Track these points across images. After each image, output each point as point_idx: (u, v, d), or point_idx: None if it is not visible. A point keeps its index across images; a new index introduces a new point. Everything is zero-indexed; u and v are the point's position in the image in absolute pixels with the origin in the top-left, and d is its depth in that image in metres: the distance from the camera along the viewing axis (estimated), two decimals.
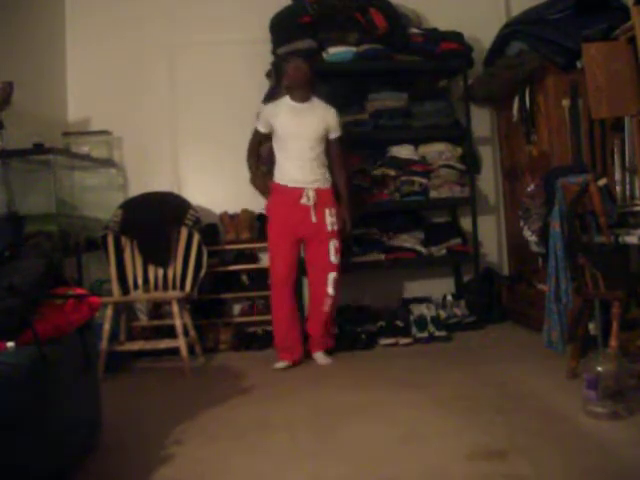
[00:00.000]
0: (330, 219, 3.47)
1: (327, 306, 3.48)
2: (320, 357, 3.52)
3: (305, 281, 3.84)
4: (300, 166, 3.43)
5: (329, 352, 3.58)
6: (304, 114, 3.47)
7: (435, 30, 4.30)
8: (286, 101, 3.53)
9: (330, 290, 3.47)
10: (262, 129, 3.54)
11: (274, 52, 4.15)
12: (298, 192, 3.42)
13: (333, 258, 3.47)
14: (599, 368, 2.31)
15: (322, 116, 3.50)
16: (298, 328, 3.52)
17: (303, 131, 3.44)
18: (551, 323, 2.79)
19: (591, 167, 3.42)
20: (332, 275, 3.47)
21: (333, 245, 3.47)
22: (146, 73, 4.45)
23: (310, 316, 3.58)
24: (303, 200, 3.42)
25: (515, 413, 2.44)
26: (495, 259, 4.69)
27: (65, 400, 2.02)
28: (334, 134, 3.55)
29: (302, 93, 3.49)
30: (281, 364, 3.43)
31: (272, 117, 3.48)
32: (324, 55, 4.10)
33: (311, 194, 3.42)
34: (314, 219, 3.42)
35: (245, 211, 4.22)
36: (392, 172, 4.19)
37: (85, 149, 4.10)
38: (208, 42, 4.41)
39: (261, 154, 3.71)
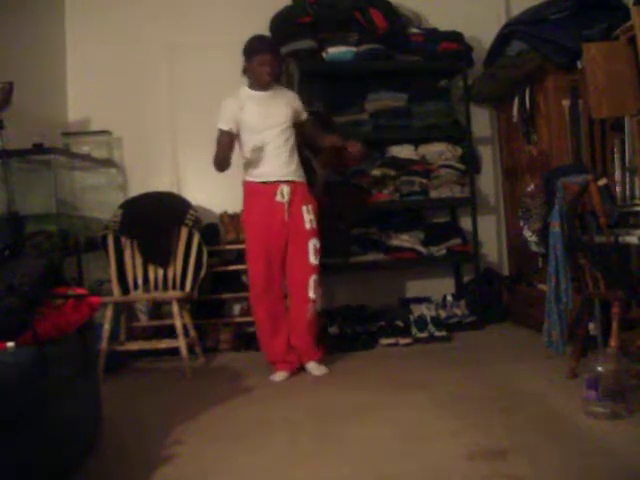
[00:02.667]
0: (308, 216, 3.26)
1: (309, 312, 3.26)
2: (314, 368, 3.29)
3: None
4: (273, 158, 3.22)
5: (320, 360, 3.35)
6: (270, 102, 3.27)
7: (435, 30, 4.30)
8: (246, 92, 3.30)
9: (311, 294, 3.25)
10: (227, 127, 3.26)
11: None
12: (272, 188, 3.22)
13: (313, 259, 3.25)
14: (599, 368, 2.30)
15: (287, 102, 3.32)
16: (287, 337, 3.30)
17: (274, 119, 3.24)
18: (551, 323, 2.79)
19: (591, 167, 3.42)
20: (313, 277, 3.25)
21: (312, 245, 3.25)
22: (146, 73, 4.45)
23: (293, 326, 3.31)
24: (277, 197, 3.21)
25: (515, 413, 2.44)
26: (495, 259, 4.69)
27: (65, 400, 2.03)
28: (304, 116, 3.41)
29: (266, 84, 3.29)
30: (280, 375, 3.23)
31: (236, 112, 3.24)
32: (324, 55, 4.10)
33: (285, 190, 3.21)
34: (286, 217, 3.22)
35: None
36: (392, 172, 4.19)
37: (85, 149, 4.11)
38: (208, 42, 4.40)
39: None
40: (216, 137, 3.33)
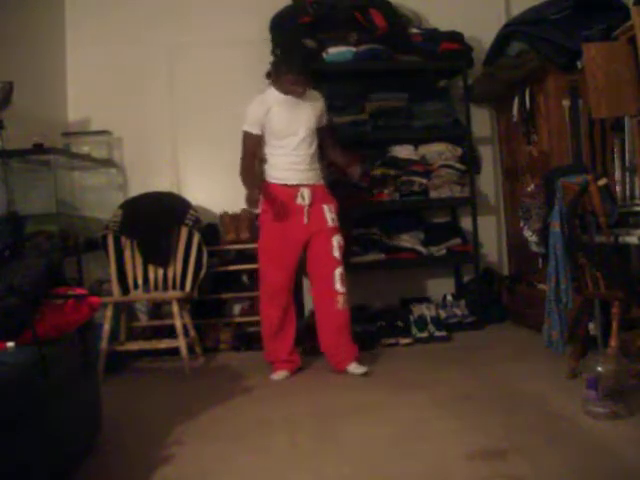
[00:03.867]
0: (329, 215, 3.28)
1: (340, 304, 3.23)
2: (355, 368, 3.19)
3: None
4: (297, 162, 3.25)
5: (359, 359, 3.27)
6: (298, 107, 3.26)
7: (435, 30, 4.29)
8: (274, 95, 3.28)
9: (339, 287, 3.23)
10: (255, 131, 3.27)
11: (274, 52, 4.15)
12: (293, 191, 3.25)
13: (337, 254, 3.26)
14: (599, 368, 2.31)
15: (313, 107, 3.32)
16: (294, 337, 3.31)
17: (299, 125, 3.25)
18: (551, 323, 2.79)
19: (591, 167, 3.42)
20: (338, 270, 3.24)
21: (337, 241, 3.26)
22: (146, 73, 4.45)
23: (323, 325, 3.29)
24: (298, 200, 3.24)
25: (515, 413, 2.44)
26: (495, 259, 4.69)
27: (65, 400, 2.02)
28: (324, 122, 3.40)
29: None
30: (280, 374, 3.23)
31: (262, 116, 3.23)
32: (324, 55, 4.10)
33: (306, 193, 3.24)
34: (306, 220, 3.23)
35: (245, 211, 4.22)
36: (392, 172, 4.18)
37: (85, 149, 4.10)
38: (208, 42, 4.40)
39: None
40: (242, 139, 3.32)
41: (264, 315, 3.34)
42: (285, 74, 3.20)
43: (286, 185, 3.26)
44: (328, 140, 3.45)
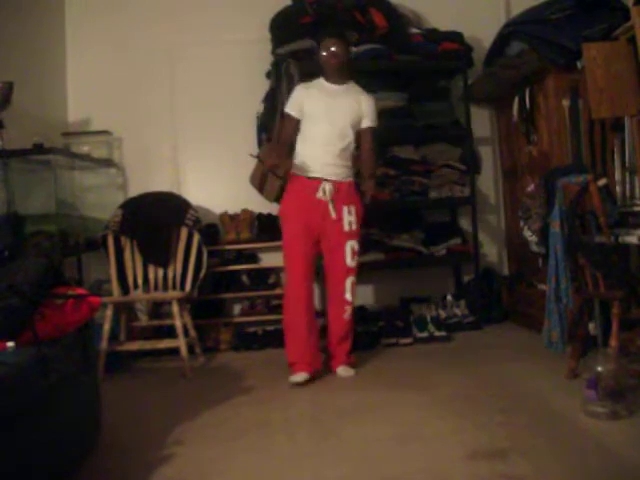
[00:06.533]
0: (348, 218, 3.17)
1: (347, 314, 3.24)
2: (342, 370, 3.24)
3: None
4: (322, 154, 3.14)
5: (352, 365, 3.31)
6: (337, 97, 3.19)
7: (435, 30, 4.30)
8: (319, 82, 3.26)
9: (348, 296, 3.23)
10: (294, 113, 3.19)
11: (274, 52, 4.15)
12: (314, 184, 3.14)
13: (350, 261, 3.20)
14: (599, 368, 2.31)
15: (356, 101, 3.21)
16: (317, 335, 3.23)
17: (333, 115, 3.15)
18: (551, 323, 2.79)
19: (591, 167, 3.42)
20: (350, 280, 3.22)
21: (350, 247, 3.19)
22: (146, 73, 4.45)
23: (330, 328, 3.29)
24: (319, 194, 3.13)
25: (515, 413, 2.44)
26: (495, 259, 4.69)
27: (65, 400, 2.02)
28: (366, 123, 3.24)
29: (337, 75, 3.22)
30: (299, 377, 3.08)
31: (304, 98, 3.18)
32: None
33: (327, 188, 3.13)
34: (333, 215, 3.14)
35: (245, 211, 4.23)
36: (392, 172, 4.19)
37: (85, 149, 4.11)
38: (208, 42, 4.41)
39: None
40: (282, 121, 3.32)
41: (290, 314, 3.22)
42: (323, 39, 3.23)
43: (307, 177, 3.16)
44: (364, 145, 3.27)
